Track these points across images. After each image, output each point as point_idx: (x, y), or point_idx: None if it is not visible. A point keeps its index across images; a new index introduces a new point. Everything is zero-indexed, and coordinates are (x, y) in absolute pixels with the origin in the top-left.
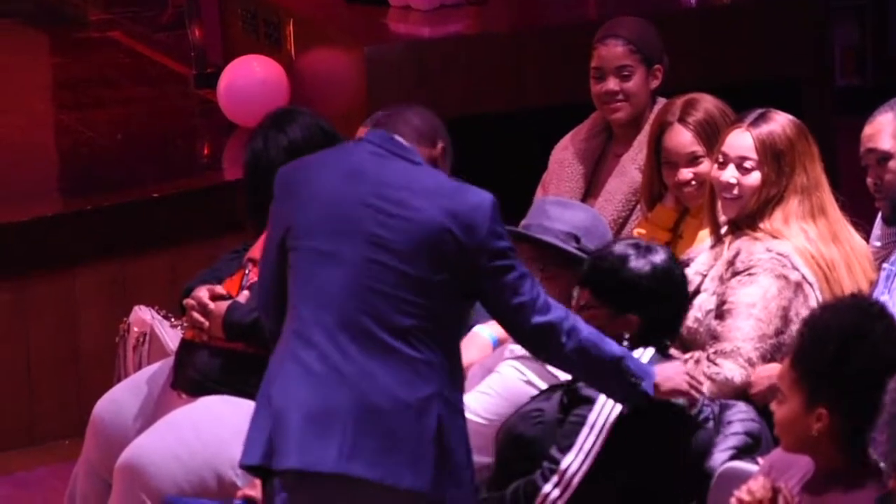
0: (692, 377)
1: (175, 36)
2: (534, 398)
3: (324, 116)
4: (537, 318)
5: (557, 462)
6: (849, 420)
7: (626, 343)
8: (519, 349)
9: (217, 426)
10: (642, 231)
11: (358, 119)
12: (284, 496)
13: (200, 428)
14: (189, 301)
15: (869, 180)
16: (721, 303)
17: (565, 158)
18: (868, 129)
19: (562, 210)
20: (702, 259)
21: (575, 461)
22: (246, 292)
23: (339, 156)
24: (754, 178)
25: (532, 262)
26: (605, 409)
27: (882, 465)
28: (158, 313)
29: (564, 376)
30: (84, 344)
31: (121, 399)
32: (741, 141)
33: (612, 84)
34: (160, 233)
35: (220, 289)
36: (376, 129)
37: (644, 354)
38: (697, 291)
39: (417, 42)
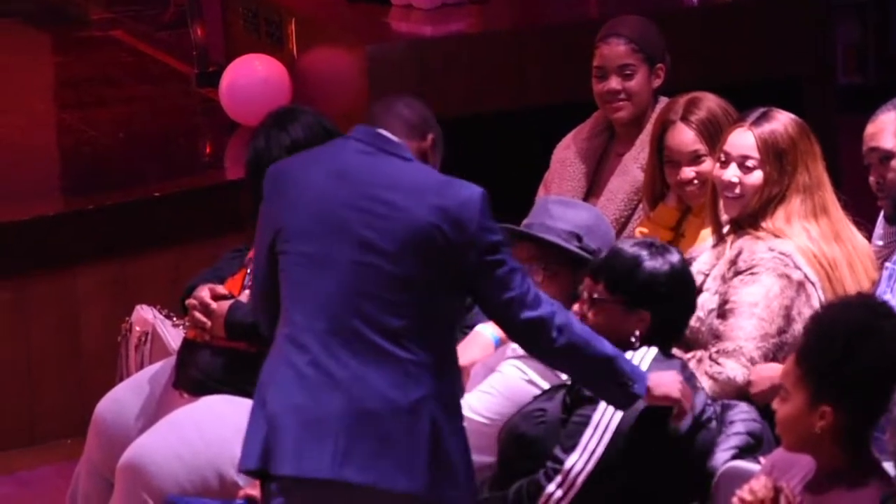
0: (685, 387)
1: (177, 35)
2: (536, 398)
3: (326, 115)
4: (527, 313)
5: (561, 462)
6: (853, 418)
7: (634, 340)
8: (521, 348)
9: (219, 425)
10: (644, 230)
11: (359, 118)
12: (281, 501)
13: (202, 427)
14: (191, 301)
15: (871, 179)
16: (723, 302)
17: (567, 157)
18: (870, 128)
19: (564, 209)
20: (704, 258)
21: (579, 461)
22: (248, 292)
23: (326, 155)
24: (756, 177)
25: (534, 260)
26: (610, 410)
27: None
28: (160, 312)
29: (566, 376)
30: (86, 343)
31: (123, 398)
32: (743, 140)
33: (614, 83)
34: (162, 232)
35: (221, 288)
36: (364, 124)
37: (647, 354)
38: (700, 290)
39: (419, 41)
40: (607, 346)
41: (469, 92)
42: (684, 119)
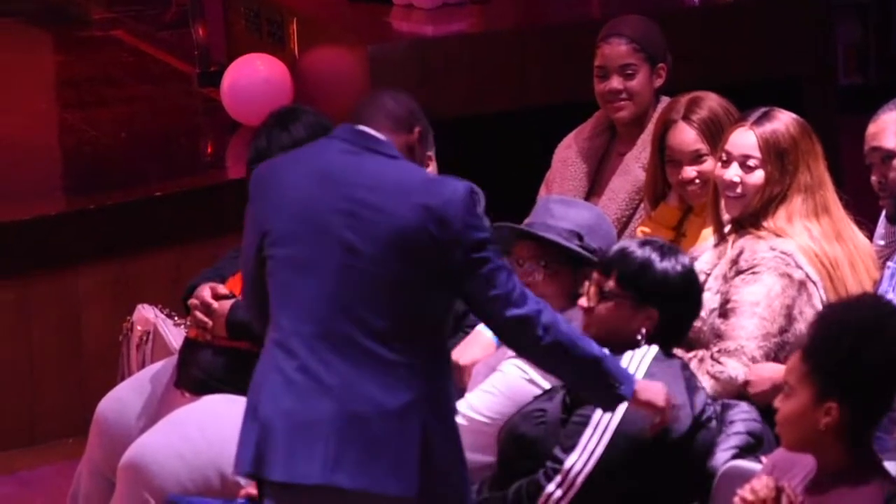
0: (670, 399)
1: (178, 34)
2: (536, 398)
3: (327, 115)
4: (513, 311)
5: (561, 462)
6: (858, 415)
7: (640, 338)
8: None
9: (220, 425)
10: (646, 229)
11: None
12: None
13: (204, 427)
14: (192, 300)
15: (873, 178)
16: (725, 301)
17: (569, 157)
18: (872, 128)
19: (565, 208)
20: (705, 258)
21: (578, 461)
22: None
23: (309, 156)
24: (758, 176)
25: (535, 259)
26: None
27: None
28: (162, 312)
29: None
30: (87, 343)
31: (124, 398)
32: (745, 139)
33: (615, 83)
34: (163, 231)
35: (222, 288)
36: (350, 120)
37: (648, 352)
38: (701, 288)
39: (420, 41)
40: (594, 347)
41: (470, 92)
42: (686, 118)
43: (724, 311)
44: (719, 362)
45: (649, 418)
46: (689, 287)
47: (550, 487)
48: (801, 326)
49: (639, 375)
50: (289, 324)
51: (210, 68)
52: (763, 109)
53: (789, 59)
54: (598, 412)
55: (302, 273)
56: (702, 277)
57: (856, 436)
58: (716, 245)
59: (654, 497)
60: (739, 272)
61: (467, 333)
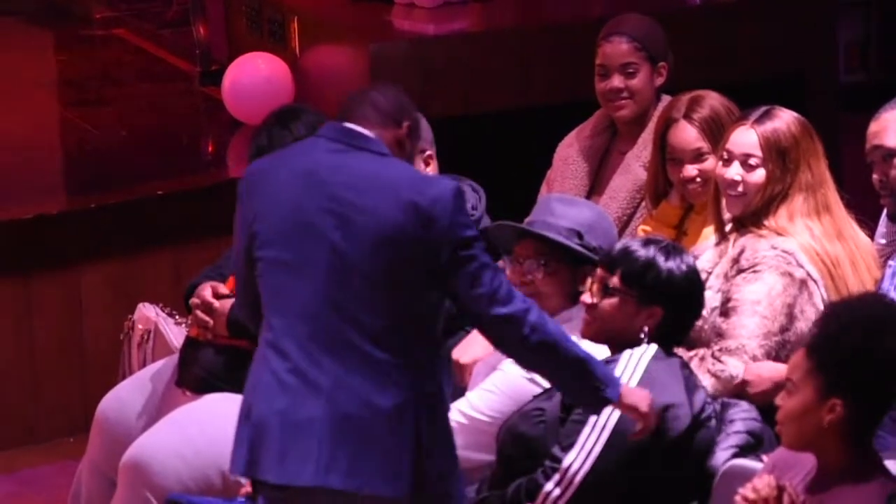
0: (654, 407)
1: (180, 33)
2: (536, 397)
3: (328, 114)
4: (498, 309)
5: (559, 460)
6: (862, 413)
7: (643, 336)
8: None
9: (222, 424)
10: (647, 228)
11: None
12: None
13: (205, 426)
14: (194, 300)
15: (874, 177)
16: (726, 300)
17: (570, 156)
18: (874, 126)
19: (566, 207)
20: (706, 256)
21: (577, 460)
22: None
23: (296, 157)
24: (759, 175)
25: (534, 257)
26: (608, 408)
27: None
28: (163, 311)
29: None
30: (88, 341)
31: (125, 397)
32: (746, 138)
33: (616, 81)
34: (164, 230)
35: (223, 287)
36: (336, 119)
37: (647, 350)
38: (704, 288)
39: (422, 39)
40: (581, 349)
41: (472, 90)
42: (687, 117)
43: (726, 310)
44: (720, 361)
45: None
46: (692, 287)
47: (549, 486)
48: (802, 325)
49: (637, 374)
50: (280, 325)
51: (211, 67)
52: (764, 108)
53: (791, 57)
54: None
55: (292, 275)
56: (703, 276)
57: (858, 434)
58: (717, 244)
59: (652, 495)
60: (741, 271)
61: (468, 332)
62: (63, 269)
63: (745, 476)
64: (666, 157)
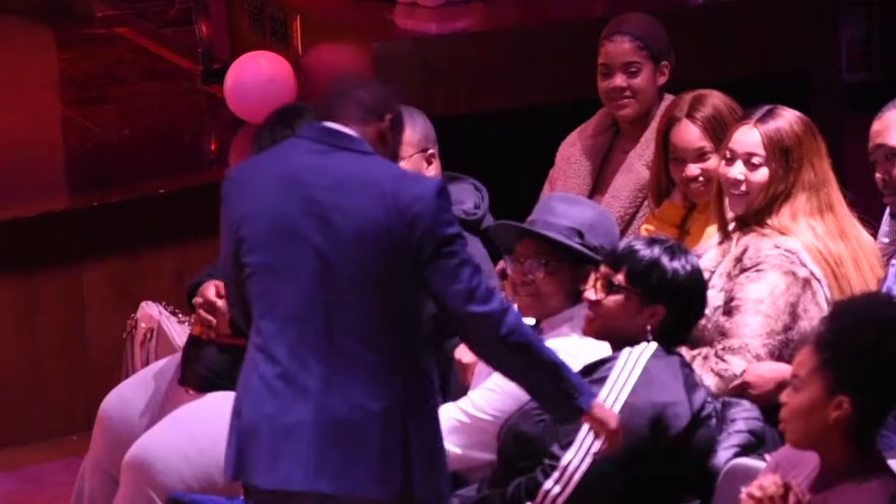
0: (620, 426)
1: (182, 32)
2: None
3: None
4: (475, 307)
5: (558, 459)
6: (868, 410)
7: (647, 334)
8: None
9: (225, 422)
10: (650, 227)
11: None
12: None
13: (208, 424)
14: (197, 299)
15: (877, 176)
16: (729, 299)
17: (572, 155)
18: (877, 125)
19: (567, 206)
20: (709, 255)
21: (575, 458)
22: None
23: (277, 159)
24: (762, 174)
25: (535, 257)
26: (607, 405)
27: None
28: (166, 309)
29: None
30: (91, 340)
31: (128, 395)
32: (749, 137)
33: (619, 80)
34: (167, 229)
35: None
36: (317, 118)
37: (647, 348)
38: (707, 288)
39: (425, 38)
40: (556, 355)
41: (474, 89)
42: (689, 116)
43: (729, 309)
44: (723, 360)
45: (646, 415)
46: (696, 287)
47: (548, 484)
48: (805, 324)
49: (636, 372)
50: (269, 329)
51: (213, 66)
52: (767, 107)
53: (793, 56)
54: None
55: (278, 279)
56: (706, 275)
57: (863, 432)
58: (720, 243)
59: (652, 493)
60: (744, 270)
61: None
62: (66, 268)
63: (748, 475)
64: (669, 156)
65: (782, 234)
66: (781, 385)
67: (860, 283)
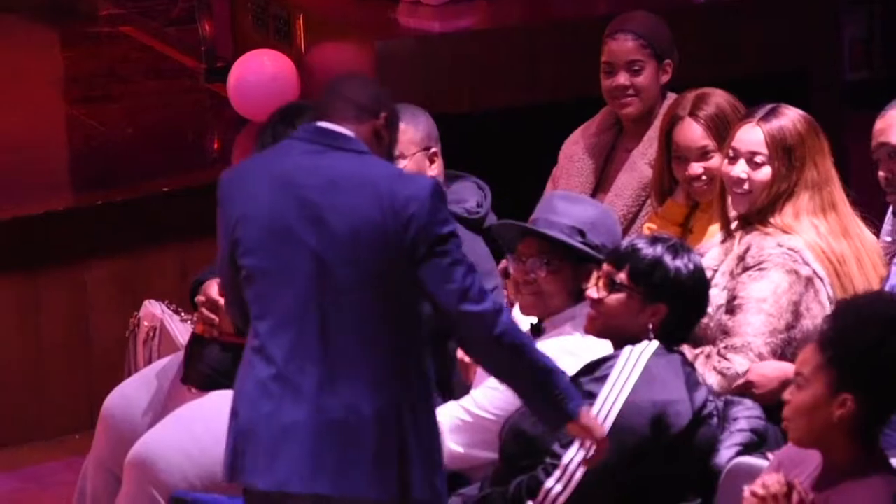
0: (606, 436)
1: (185, 30)
2: None
3: None
4: (468, 306)
5: (559, 457)
6: (872, 408)
7: (649, 332)
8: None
9: (227, 421)
10: (652, 226)
11: None
12: None
13: (210, 423)
14: (200, 297)
15: (880, 174)
16: (731, 298)
17: (575, 153)
18: (879, 124)
19: (569, 205)
20: (712, 254)
21: (577, 456)
22: None
23: (271, 161)
24: (765, 173)
25: (537, 256)
26: (607, 404)
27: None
28: (169, 307)
29: (572, 372)
30: (94, 338)
31: (131, 394)
32: (752, 136)
33: (622, 79)
34: (170, 227)
35: None
36: (312, 118)
37: (648, 347)
38: (709, 287)
39: (427, 37)
40: (548, 358)
41: (477, 88)
42: (692, 115)
43: (731, 308)
44: (726, 358)
45: (647, 413)
46: (698, 286)
47: (550, 483)
48: (807, 323)
49: (637, 370)
50: (265, 331)
51: (217, 64)
52: (770, 105)
53: (795, 55)
54: (597, 407)
55: (274, 282)
56: (709, 274)
57: (866, 430)
58: (722, 241)
59: (653, 492)
60: (746, 268)
61: None
62: (69, 266)
63: (750, 474)
64: (671, 154)
65: (785, 232)
66: (785, 384)
67: (863, 282)
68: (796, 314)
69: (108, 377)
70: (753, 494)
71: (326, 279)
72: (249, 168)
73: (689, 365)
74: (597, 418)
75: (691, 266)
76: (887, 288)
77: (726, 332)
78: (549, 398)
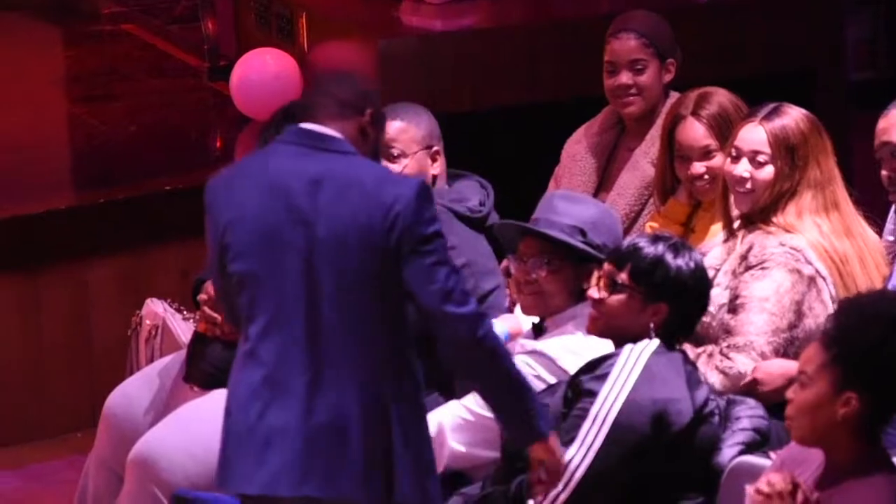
0: (562, 465)
1: (188, 29)
2: (539, 393)
3: None
4: (451, 307)
5: None
6: (876, 407)
7: (651, 332)
8: (530, 344)
9: None
10: (655, 225)
11: None
12: None
13: (212, 422)
14: (202, 296)
15: (883, 174)
16: (734, 297)
17: (578, 152)
18: (882, 123)
19: (569, 204)
20: (714, 253)
21: (577, 455)
22: None
23: (258, 165)
24: (767, 172)
25: (538, 255)
26: (608, 403)
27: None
28: (171, 306)
29: (573, 371)
30: (96, 337)
31: (133, 392)
32: (754, 135)
33: (624, 78)
34: (172, 226)
35: None
36: (297, 119)
37: (648, 346)
38: (710, 285)
39: (430, 35)
40: (525, 376)
41: (479, 87)
42: (695, 114)
43: (734, 307)
44: (728, 357)
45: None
46: (699, 284)
47: None
48: (810, 322)
49: (637, 368)
50: (256, 335)
51: (220, 63)
52: (773, 105)
53: (799, 54)
54: (597, 405)
55: (264, 286)
56: (711, 273)
57: (869, 429)
58: (725, 240)
59: (654, 490)
60: (749, 268)
61: None
62: (71, 265)
63: (753, 473)
64: (674, 153)
65: (787, 231)
66: (790, 381)
67: (865, 281)
68: (799, 313)
69: (110, 376)
70: (758, 492)
71: (315, 282)
72: (236, 173)
73: (690, 363)
74: (560, 448)
75: (692, 264)
76: (890, 287)
77: (728, 332)
78: (522, 412)
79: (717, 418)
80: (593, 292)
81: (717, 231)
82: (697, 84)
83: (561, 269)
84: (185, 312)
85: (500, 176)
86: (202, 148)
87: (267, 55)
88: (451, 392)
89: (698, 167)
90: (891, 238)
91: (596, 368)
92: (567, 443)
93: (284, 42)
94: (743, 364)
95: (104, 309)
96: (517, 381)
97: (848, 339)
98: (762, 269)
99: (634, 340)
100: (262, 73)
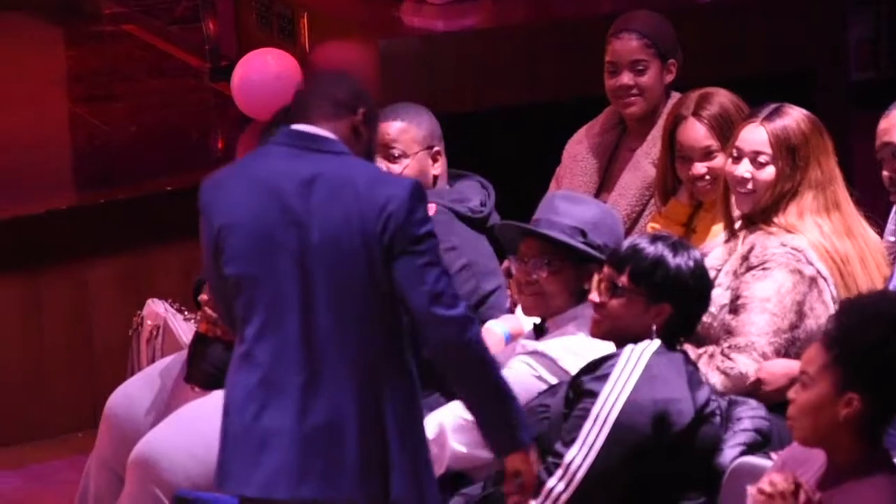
0: (535, 480)
1: (189, 29)
2: (541, 394)
3: None
4: (439, 309)
5: (561, 456)
6: (878, 408)
7: (653, 333)
8: (531, 345)
9: None
10: (656, 225)
11: None
12: None
13: (214, 422)
14: (203, 296)
15: (884, 174)
16: (735, 297)
17: (579, 153)
18: (883, 123)
19: (570, 205)
20: (716, 254)
21: (578, 455)
22: None
23: (251, 167)
24: (768, 172)
25: (539, 256)
26: (609, 403)
27: None
28: (172, 306)
29: (574, 371)
30: (97, 337)
31: (134, 392)
32: (755, 135)
33: (626, 78)
34: (174, 226)
35: None
36: (289, 121)
37: (649, 346)
38: (711, 283)
39: (431, 36)
40: (509, 385)
41: (481, 87)
42: (696, 114)
43: (735, 307)
44: (729, 358)
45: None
46: (700, 283)
47: (552, 482)
48: (811, 322)
49: (638, 369)
50: (251, 337)
51: (221, 63)
52: (774, 105)
53: (800, 55)
54: (598, 406)
55: (259, 288)
56: (712, 273)
57: (871, 430)
58: (726, 241)
59: (655, 490)
60: (750, 268)
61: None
62: (72, 265)
63: (754, 474)
64: (675, 154)
65: (789, 232)
66: (793, 381)
67: (867, 282)
68: (800, 314)
69: (111, 376)
70: (761, 492)
71: (309, 283)
72: (229, 175)
73: (690, 364)
74: (536, 461)
75: (691, 263)
76: (891, 287)
77: (730, 332)
78: (505, 419)
79: (718, 419)
80: (594, 296)
81: (718, 232)
82: (698, 84)
83: (562, 270)
84: (186, 313)
85: (501, 176)
86: (203, 148)
87: (268, 55)
88: (452, 393)
89: (699, 168)
90: (892, 238)
91: (597, 369)
92: (568, 443)
93: (286, 42)
94: (744, 364)
95: (105, 309)
96: (502, 389)
97: (849, 339)
98: (763, 269)
99: (636, 341)
100: (264, 73)
